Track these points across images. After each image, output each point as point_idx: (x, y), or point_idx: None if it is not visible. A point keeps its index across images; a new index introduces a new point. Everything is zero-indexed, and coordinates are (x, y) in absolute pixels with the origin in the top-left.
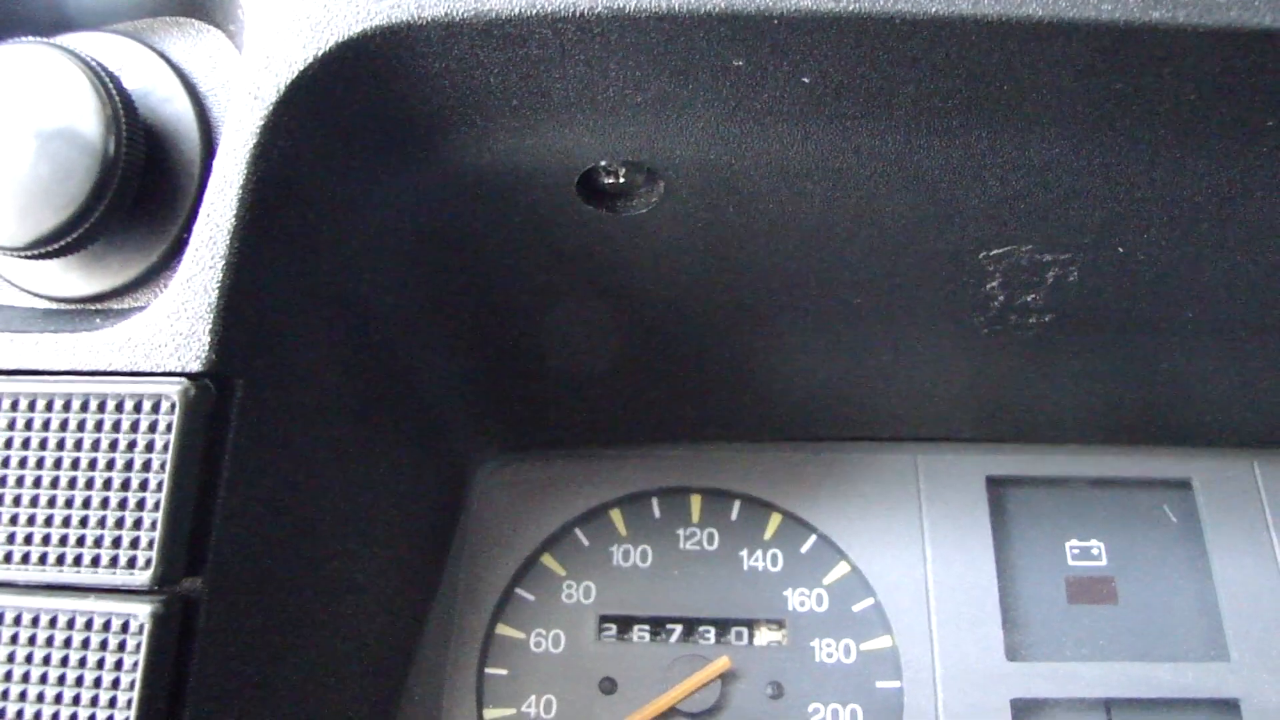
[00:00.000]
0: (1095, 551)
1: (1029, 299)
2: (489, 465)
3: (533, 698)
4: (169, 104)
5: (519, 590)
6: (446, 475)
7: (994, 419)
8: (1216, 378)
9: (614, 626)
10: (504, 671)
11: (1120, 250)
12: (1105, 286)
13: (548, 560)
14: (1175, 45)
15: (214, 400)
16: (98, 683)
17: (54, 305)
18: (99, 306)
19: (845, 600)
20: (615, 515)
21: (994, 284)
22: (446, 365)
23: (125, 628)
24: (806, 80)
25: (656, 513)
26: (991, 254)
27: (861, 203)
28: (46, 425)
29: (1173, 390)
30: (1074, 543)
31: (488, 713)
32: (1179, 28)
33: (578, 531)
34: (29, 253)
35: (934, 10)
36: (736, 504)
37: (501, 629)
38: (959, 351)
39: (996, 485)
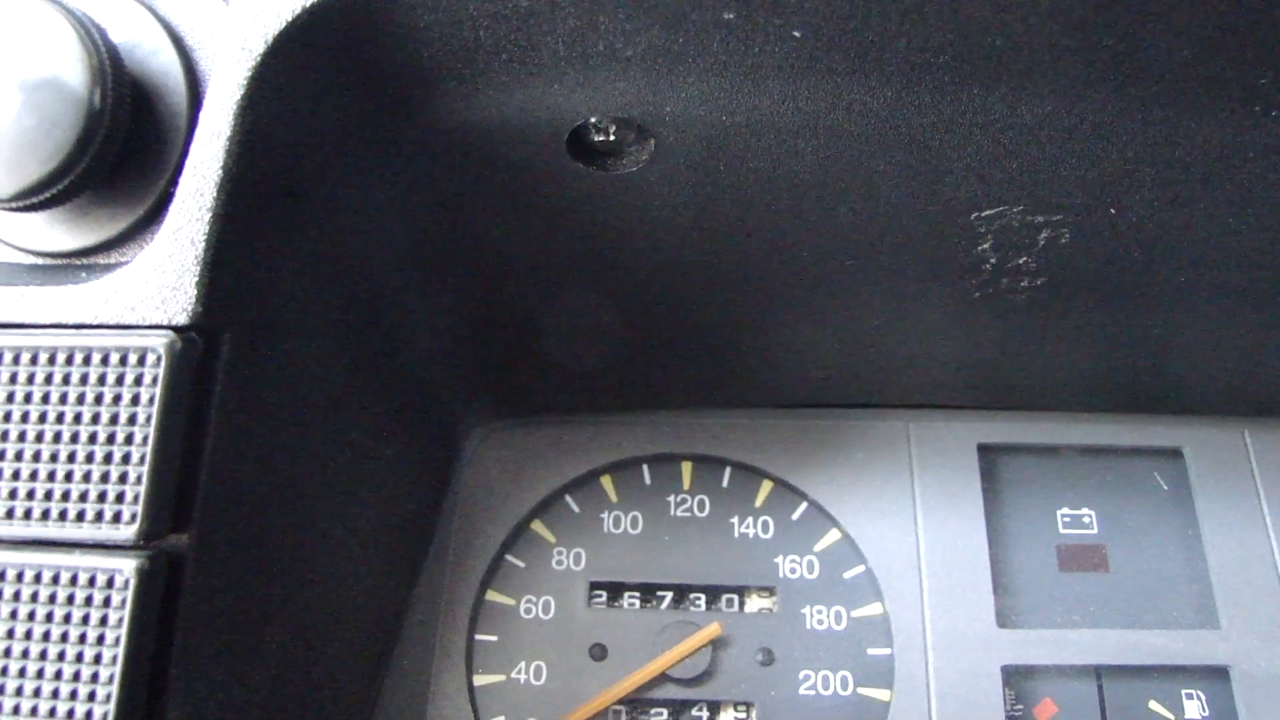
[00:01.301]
0: (1086, 519)
1: (1021, 261)
2: (480, 431)
3: (523, 664)
4: (156, 56)
5: (509, 557)
6: (437, 440)
7: (986, 386)
8: (1208, 346)
9: (604, 593)
10: (494, 638)
11: (1112, 212)
12: (1097, 249)
13: (538, 527)
14: (1168, 1)
15: (200, 353)
16: (83, 639)
17: (39, 260)
18: (85, 261)
19: (836, 567)
20: (606, 482)
21: (985, 246)
22: (437, 328)
23: (110, 583)
24: (798, 34)
25: (647, 479)
26: (983, 215)
27: (853, 161)
28: (31, 379)
29: (1164, 358)
30: (1065, 510)
31: (477, 679)
32: None
33: (568, 498)
34: (14, 205)
35: None
36: (727, 471)
37: (491, 595)
38: (951, 316)
39: (988, 453)
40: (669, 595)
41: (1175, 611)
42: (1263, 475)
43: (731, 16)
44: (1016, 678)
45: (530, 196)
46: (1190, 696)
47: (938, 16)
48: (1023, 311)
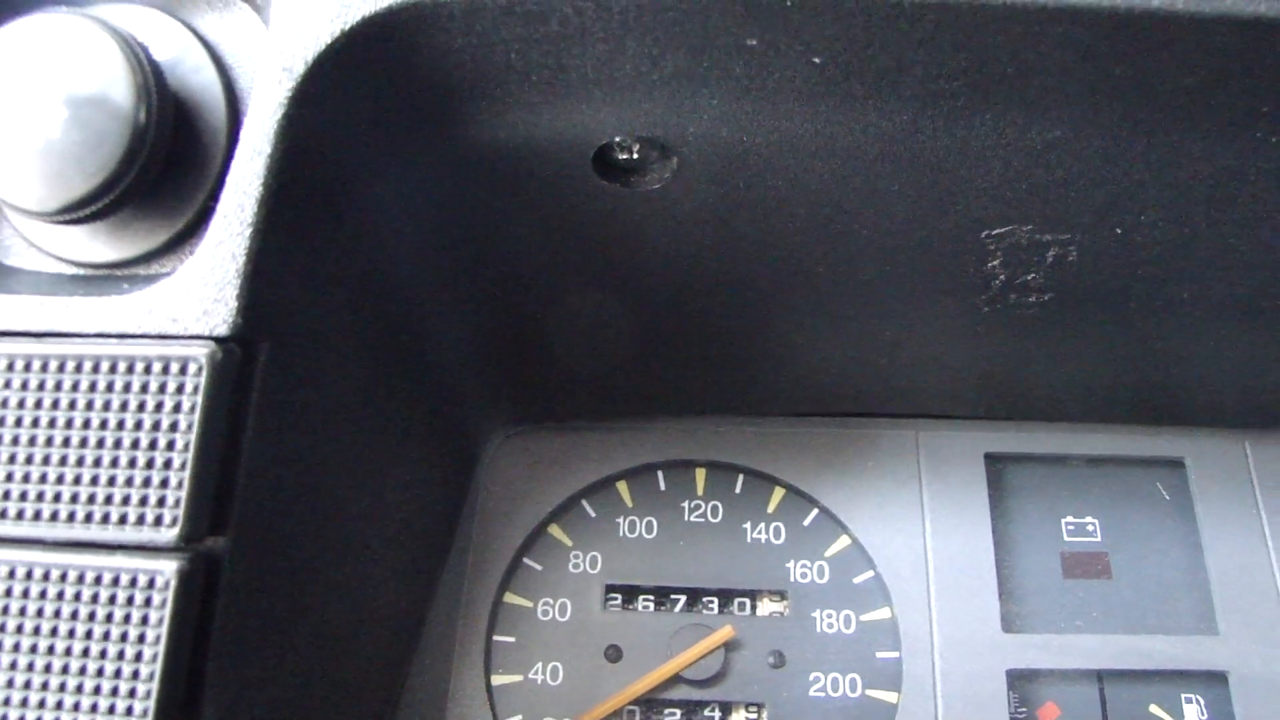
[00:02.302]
0: (1090, 527)
1: (1029, 278)
2: (498, 437)
3: (540, 665)
4: (196, 74)
5: (527, 560)
6: (457, 446)
7: (993, 397)
8: (1211, 359)
9: (619, 596)
10: (512, 639)
11: (1118, 231)
12: (1103, 266)
13: (555, 531)
14: (1174, 32)
15: (239, 363)
16: (124, 637)
17: (80, 270)
18: (125, 272)
19: (846, 572)
20: (622, 487)
21: (995, 263)
22: (460, 337)
23: (152, 584)
24: (817, 60)
25: (662, 485)
26: (993, 233)
27: (868, 181)
28: (75, 386)
29: (1168, 371)
30: (1069, 519)
31: (495, 679)
32: (1177, 15)
33: (585, 503)
34: (59, 218)
35: None
36: (740, 477)
37: (509, 598)
38: (960, 329)
39: (995, 462)
40: (683, 598)
41: (1175, 617)
42: (1262, 486)
43: (754, 43)
44: (1021, 681)
45: (556, 211)
46: (1189, 700)
47: (952, 45)
48: (1030, 326)
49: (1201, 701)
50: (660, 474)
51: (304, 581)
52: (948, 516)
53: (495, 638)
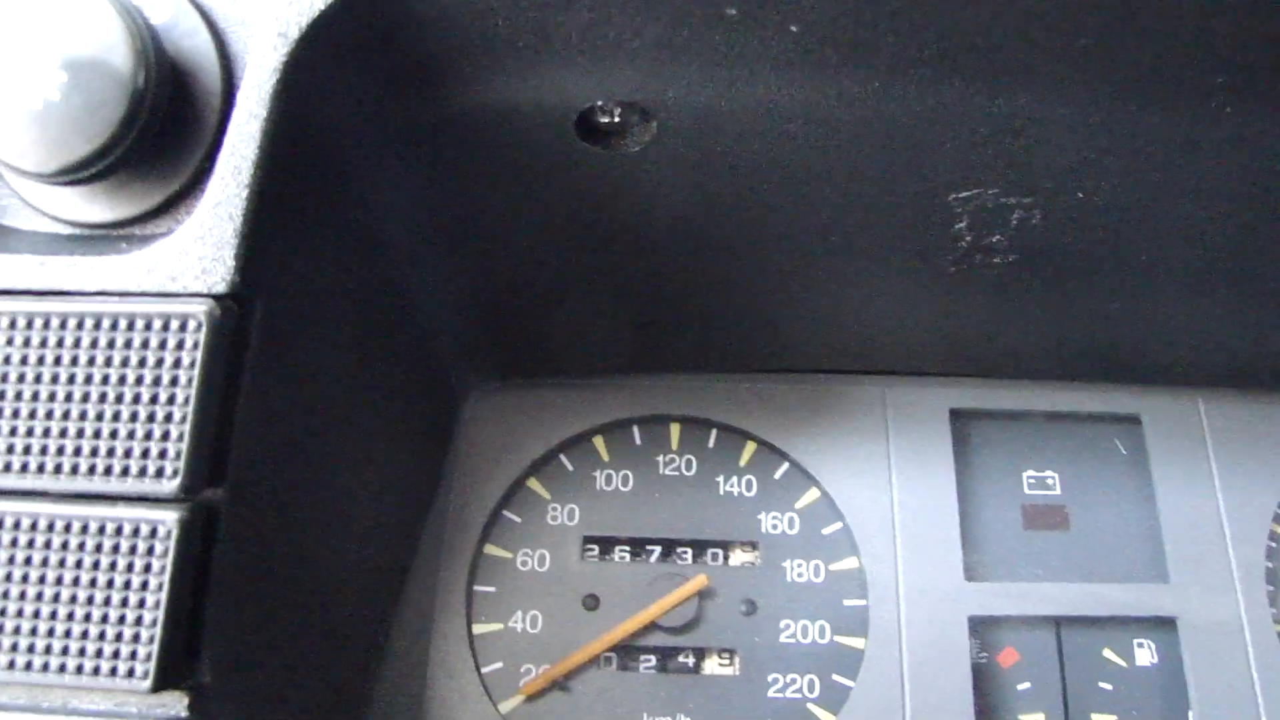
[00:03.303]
0: (1050, 481)
1: (994, 240)
2: (479, 392)
3: (519, 613)
4: (190, 38)
5: (506, 512)
6: (439, 401)
7: (959, 354)
8: (1166, 320)
9: (597, 547)
10: (492, 589)
11: (1080, 196)
12: (1065, 230)
13: (534, 484)
14: (1133, 7)
15: (236, 320)
16: (128, 584)
17: (77, 230)
18: (121, 232)
19: (815, 524)
20: (598, 441)
21: (961, 225)
22: (443, 296)
23: (154, 533)
24: (794, 29)
25: (637, 439)
26: (960, 196)
27: (841, 145)
28: (78, 343)
29: (1125, 330)
30: (1030, 473)
31: (476, 628)
32: None
33: (562, 457)
34: (57, 180)
35: None
36: (714, 432)
37: (489, 549)
38: (927, 289)
39: (959, 417)
40: (658, 549)
41: (1129, 567)
42: (1214, 441)
43: (734, 12)
44: (982, 627)
45: (539, 173)
46: (1141, 645)
47: (923, 17)
48: (995, 286)
49: (1152, 645)
50: (636, 429)
51: (295, 531)
52: (914, 470)
53: (476, 588)
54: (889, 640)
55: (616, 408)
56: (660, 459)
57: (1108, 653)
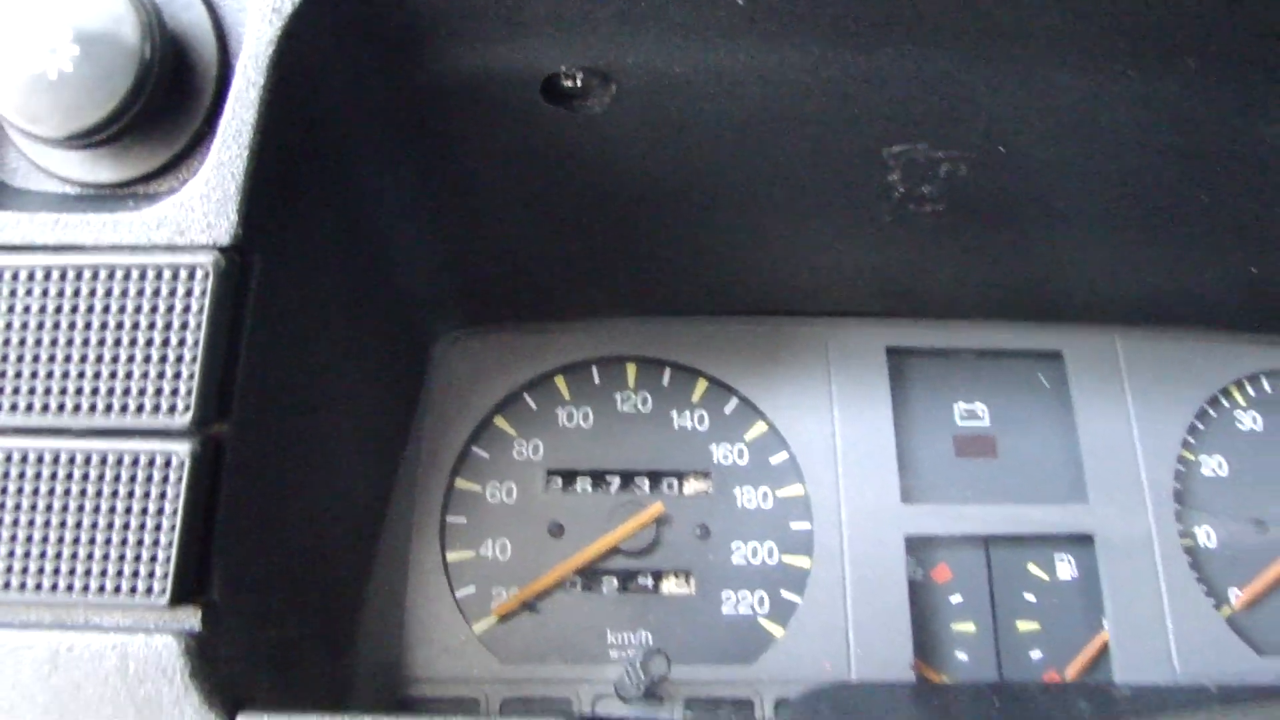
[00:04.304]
0: (979, 413)
1: (925, 190)
2: (448, 338)
3: (489, 541)
4: (187, 11)
5: (475, 448)
6: (412, 347)
7: (894, 296)
8: (1085, 262)
9: (560, 479)
10: (463, 519)
11: (1002, 149)
12: (990, 180)
13: (500, 422)
14: None
15: (239, 270)
16: (144, 511)
17: (84, 191)
18: (125, 192)
19: (763, 454)
20: (560, 381)
21: (895, 177)
22: (416, 247)
23: (168, 464)
24: (741, 2)
25: (596, 379)
26: (893, 151)
27: (785, 105)
28: (93, 293)
29: (1048, 272)
30: (961, 405)
31: (450, 555)
32: None
33: (527, 396)
34: (68, 144)
35: None
36: (667, 371)
37: (460, 483)
38: (865, 236)
39: (895, 355)
40: (617, 480)
41: (1051, 489)
42: (1129, 374)
43: None
44: (918, 546)
45: (507, 134)
46: (1061, 560)
47: None
48: (926, 232)
49: (1071, 560)
50: (595, 369)
51: (288, 465)
52: (853, 403)
53: (449, 519)
54: (832, 559)
55: (576, 350)
56: (618, 396)
57: (1032, 567)
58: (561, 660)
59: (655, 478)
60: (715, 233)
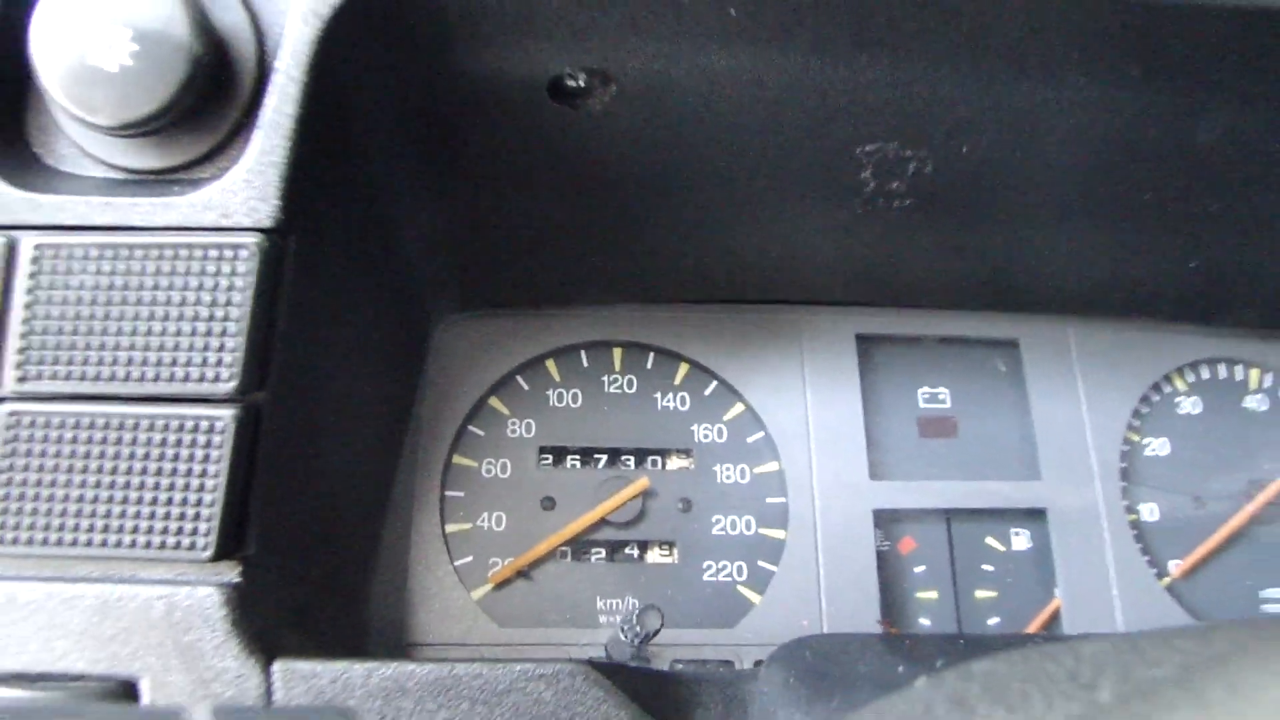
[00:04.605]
0: (942, 396)
1: (894, 186)
2: (447, 321)
3: (485, 514)
4: (229, 12)
5: (471, 427)
6: (414, 329)
7: (863, 286)
8: (1041, 255)
9: (551, 456)
10: (461, 494)
11: (964, 149)
12: (954, 177)
13: (495, 402)
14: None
15: (278, 251)
16: (190, 471)
17: (132, 176)
18: (170, 178)
19: (741, 433)
20: (550, 364)
21: (866, 173)
22: (421, 235)
23: (212, 428)
24: (733, 13)
25: (585, 362)
26: (865, 149)
27: (768, 106)
28: (144, 270)
29: (1006, 264)
30: (925, 389)
31: (449, 527)
32: None
33: (519, 378)
34: (122, 133)
35: None
36: (651, 355)
37: (457, 459)
38: (837, 229)
39: (864, 341)
40: (605, 457)
41: (1008, 467)
42: (1080, 361)
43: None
44: (884, 519)
45: (514, 127)
46: (1017, 533)
47: (837, 4)
48: (895, 226)
49: (1026, 533)
50: (583, 353)
51: (313, 435)
52: (825, 387)
53: (447, 493)
54: (805, 531)
55: (566, 334)
56: (605, 379)
57: (989, 539)
58: (554, 624)
59: (640, 455)
60: (699, 225)
